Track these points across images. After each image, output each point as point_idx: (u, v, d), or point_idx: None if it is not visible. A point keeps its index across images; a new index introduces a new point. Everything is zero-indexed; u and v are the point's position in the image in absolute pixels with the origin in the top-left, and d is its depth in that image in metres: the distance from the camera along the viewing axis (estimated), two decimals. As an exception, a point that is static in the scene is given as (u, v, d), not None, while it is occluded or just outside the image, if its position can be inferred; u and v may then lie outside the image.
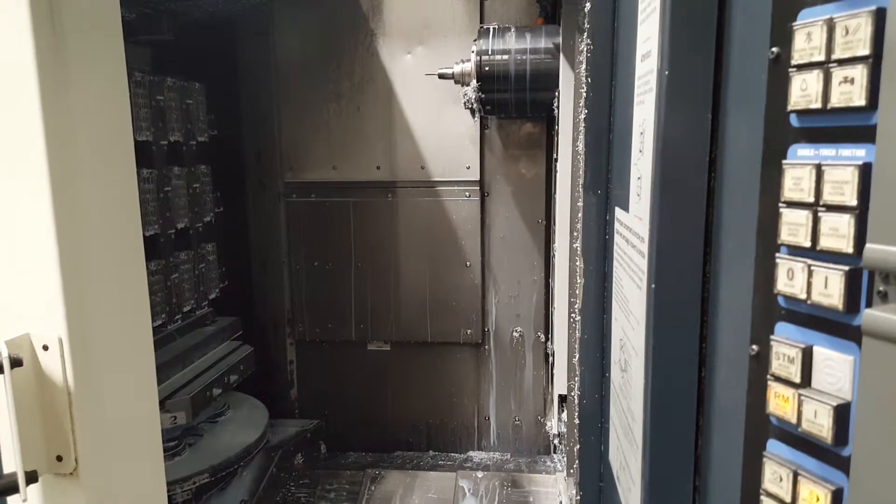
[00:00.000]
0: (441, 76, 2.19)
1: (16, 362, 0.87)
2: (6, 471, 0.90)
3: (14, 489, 0.86)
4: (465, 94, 2.16)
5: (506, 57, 2.05)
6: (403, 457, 2.60)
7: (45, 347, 0.90)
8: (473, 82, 2.09)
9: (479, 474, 2.42)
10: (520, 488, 2.33)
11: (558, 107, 1.97)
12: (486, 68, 2.06)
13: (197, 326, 2.31)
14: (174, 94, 2.16)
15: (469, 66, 2.11)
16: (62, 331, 0.91)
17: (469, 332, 2.58)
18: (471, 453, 2.64)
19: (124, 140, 1.04)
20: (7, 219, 0.90)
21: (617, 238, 1.04)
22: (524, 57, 2.05)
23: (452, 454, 2.64)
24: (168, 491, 1.81)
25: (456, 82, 2.17)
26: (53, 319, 0.91)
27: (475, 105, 2.15)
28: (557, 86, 1.96)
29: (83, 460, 0.93)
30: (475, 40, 2.11)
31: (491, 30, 2.10)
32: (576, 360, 1.26)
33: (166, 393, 1.94)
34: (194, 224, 2.29)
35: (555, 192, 2.48)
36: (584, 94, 1.16)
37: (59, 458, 0.93)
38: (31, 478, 0.89)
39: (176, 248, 2.19)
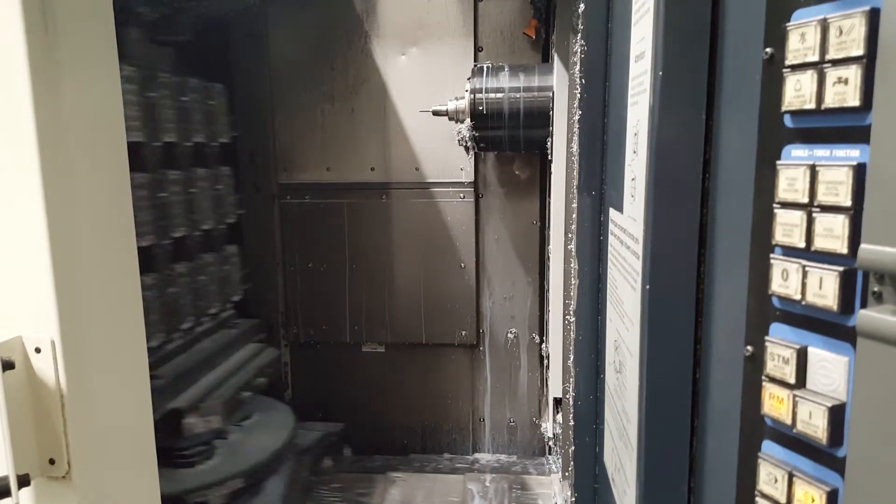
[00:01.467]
0: (435, 113, 2.19)
1: (8, 365, 0.86)
2: (-3, 475, 0.89)
3: (6, 493, 0.86)
4: (459, 132, 2.15)
5: (500, 95, 2.08)
6: (422, 460, 2.60)
7: (38, 350, 0.90)
8: (467, 121, 2.10)
9: (488, 477, 2.42)
10: (528, 490, 2.33)
11: (553, 107, 1.98)
12: (480, 107, 2.08)
13: (221, 329, 2.29)
14: (197, 94, 2.14)
15: (463, 104, 2.12)
16: (55, 333, 0.90)
17: (464, 333, 2.58)
18: (476, 455, 2.64)
19: (117, 140, 1.04)
20: (-2, 220, 0.90)
21: (611, 239, 1.04)
22: (518, 95, 2.07)
23: (464, 456, 2.64)
24: (202, 496, 1.81)
25: (450, 119, 2.16)
26: (46, 322, 0.90)
27: (469, 143, 2.15)
28: (550, 124, 2.00)
29: (76, 464, 0.92)
30: (469, 78, 2.12)
31: (485, 68, 2.13)
32: (570, 361, 1.26)
33: (197, 396, 1.92)
34: (218, 226, 2.27)
35: (549, 194, 2.48)
36: (578, 95, 1.16)
37: (52, 462, 0.92)
38: (24, 481, 0.88)
39: (201, 251, 2.18)
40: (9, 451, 0.86)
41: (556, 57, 1.96)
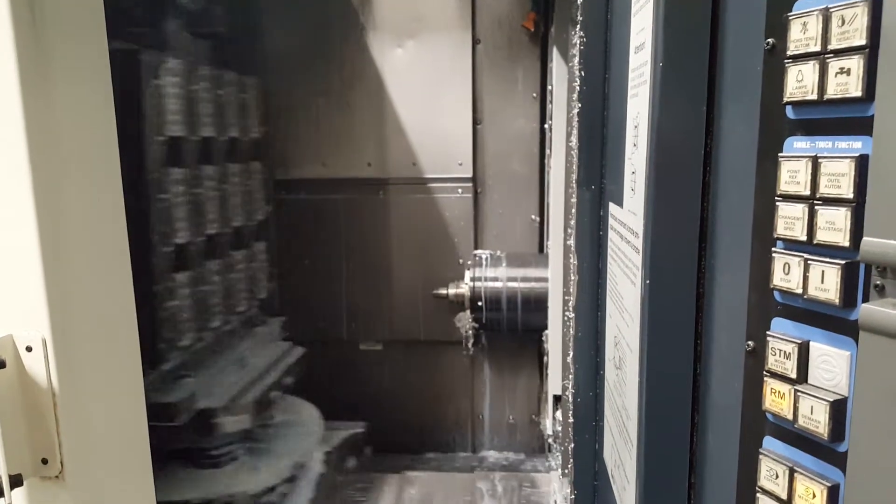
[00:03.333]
0: (436, 296, 2.41)
1: (-1, 364, 0.85)
2: (-10, 474, 0.88)
3: (-1, 493, 0.85)
4: (460, 321, 2.36)
5: (498, 285, 2.28)
6: (440, 458, 2.61)
7: (29, 349, 0.89)
8: (468, 313, 2.32)
9: (497, 475, 2.42)
10: (537, 488, 2.33)
11: (552, 101, 1.97)
12: (480, 295, 2.30)
13: (249, 327, 2.28)
14: (233, 88, 2.12)
15: (464, 290, 2.32)
16: (46, 332, 0.89)
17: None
18: (483, 453, 2.64)
19: (108, 136, 1.02)
20: (-11, 218, 0.88)
21: (611, 234, 1.03)
22: (515, 285, 2.28)
23: (474, 454, 2.64)
24: (232, 497, 1.80)
25: (450, 302, 2.37)
26: (37, 320, 0.89)
27: (469, 331, 2.36)
28: (547, 309, 2.14)
29: (69, 463, 0.92)
30: (468, 267, 2.33)
31: (484, 259, 2.34)
32: (570, 357, 1.25)
33: (229, 395, 1.91)
34: (248, 222, 2.25)
35: (548, 189, 2.47)
36: (578, 88, 1.15)
37: (45, 461, 0.91)
38: (16, 481, 0.87)
39: (231, 248, 2.16)
40: (1, 451, 0.85)
41: (551, 205, 2.10)
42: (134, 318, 1.07)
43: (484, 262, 2.32)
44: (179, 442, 1.78)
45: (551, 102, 1.96)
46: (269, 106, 2.51)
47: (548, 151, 2.19)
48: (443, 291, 2.37)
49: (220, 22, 2.11)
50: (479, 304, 2.28)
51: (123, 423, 1.06)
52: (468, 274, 2.30)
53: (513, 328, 2.33)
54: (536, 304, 2.25)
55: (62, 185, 0.92)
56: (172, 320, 1.78)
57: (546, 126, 2.32)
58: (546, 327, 2.19)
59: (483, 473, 2.44)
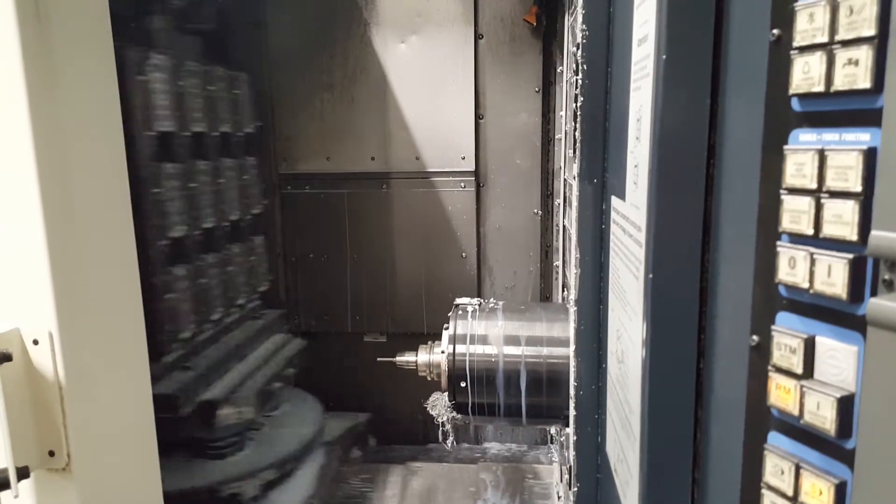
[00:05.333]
0: (399, 366, 1.61)
1: (5, 357, 0.86)
2: (-4, 467, 0.89)
3: (6, 485, 0.85)
4: (434, 407, 1.53)
5: (491, 352, 1.45)
6: (443, 449, 2.60)
7: (36, 342, 0.89)
8: (445, 397, 1.49)
9: (500, 466, 2.42)
10: (540, 480, 2.34)
11: (554, 92, 1.95)
12: (462, 366, 1.45)
13: (248, 319, 2.29)
14: (223, 83, 2.13)
15: (439, 360, 1.47)
16: (52, 325, 0.89)
17: (466, 323, 2.57)
18: (486, 444, 2.64)
19: (114, 131, 1.03)
20: (-7, 212, 0.88)
21: (613, 227, 1.03)
22: (518, 353, 1.45)
23: (475, 446, 2.65)
24: (235, 487, 1.82)
25: (420, 374, 1.57)
26: (43, 313, 0.89)
27: (447, 424, 1.52)
28: (566, 389, 1.37)
29: (76, 455, 0.92)
30: (445, 327, 1.50)
31: (469, 311, 1.51)
32: (572, 350, 1.25)
33: (229, 387, 1.93)
34: (244, 216, 2.27)
35: (552, 183, 2.46)
36: (580, 82, 1.14)
37: (52, 454, 0.92)
38: (23, 473, 0.88)
39: (228, 241, 2.18)
40: (8, 443, 0.85)
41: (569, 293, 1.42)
42: (141, 311, 1.08)
43: (469, 316, 1.50)
44: (183, 433, 1.79)
45: (553, 91, 1.94)
46: (272, 101, 2.51)
47: (550, 144, 2.18)
48: (409, 359, 1.57)
49: (209, 19, 2.11)
50: (463, 384, 1.45)
51: (130, 415, 1.06)
52: (446, 334, 1.49)
53: (514, 414, 1.48)
54: (551, 384, 1.43)
55: (68, 179, 0.92)
56: (172, 313, 1.79)
57: (548, 127, 2.31)
58: (566, 409, 1.39)
59: (486, 465, 2.44)
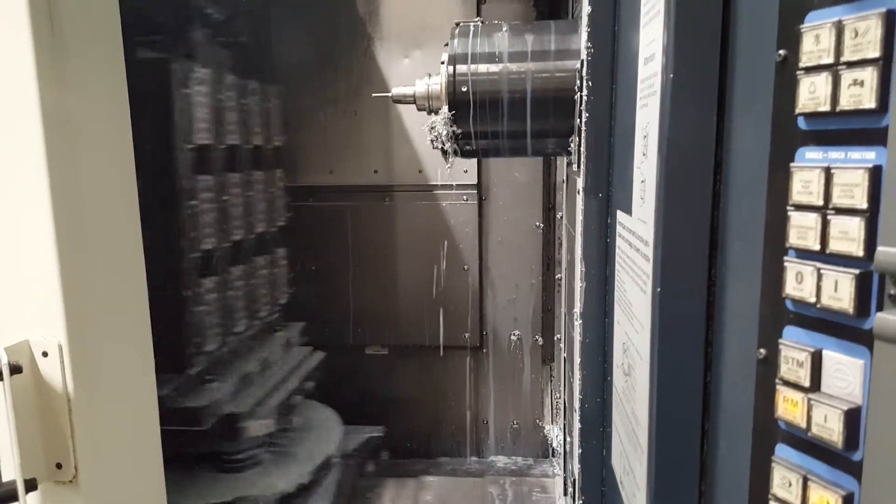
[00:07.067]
0: (395, 100, 1.47)
1: (15, 369, 0.86)
2: (5, 479, 0.89)
3: (13, 497, 0.86)
4: (434, 128, 1.39)
5: (495, 69, 1.32)
6: (453, 463, 2.61)
7: (45, 354, 0.90)
8: (444, 108, 1.36)
9: (507, 480, 2.42)
10: (548, 493, 2.33)
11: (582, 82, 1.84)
12: (464, 88, 1.33)
13: (269, 332, 2.30)
14: (257, 97, 2.15)
15: (437, 85, 1.37)
16: (62, 337, 0.90)
17: (467, 336, 2.57)
18: (492, 458, 2.64)
19: (124, 142, 1.04)
20: (6, 224, 0.89)
21: (619, 241, 1.04)
22: (524, 68, 1.31)
23: (482, 459, 2.64)
24: (255, 501, 1.80)
25: (419, 108, 1.43)
26: (53, 325, 0.90)
27: (447, 144, 1.39)
28: (574, 114, 1.28)
29: (83, 468, 0.92)
30: (445, 45, 1.39)
31: (471, 28, 1.37)
32: (577, 363, 1.25)
33: (252, 400, 1.92)
34: (269, 228, 2.28)
35: (553, 196, 2.48)
36: (585, 98, 1.16)
37: (59, 466, 0.92)
38: (31, 486, 0.88)
39: (254, 254, 2.19)
40: (16, 455, 0.86)
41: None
42: (148, 324, 1.08)
43: (471, 34, 1.36)
44: (205, 446, 1.79)
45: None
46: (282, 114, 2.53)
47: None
48: (408, 91, 1.42)
49: (243, 32, 2.14)
50: (465, 92, 1.32)
51: (137, 428, 1.06)
52: (445, 54, 1.35)
53: (518, 147, 1.38)
54: (558, 102, 1.30)
55: (79, 191, 0.93)
56: (199, 325, 1.80)
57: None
58: (572, 135, 1.29)
59: (493, 478, 2.44)
